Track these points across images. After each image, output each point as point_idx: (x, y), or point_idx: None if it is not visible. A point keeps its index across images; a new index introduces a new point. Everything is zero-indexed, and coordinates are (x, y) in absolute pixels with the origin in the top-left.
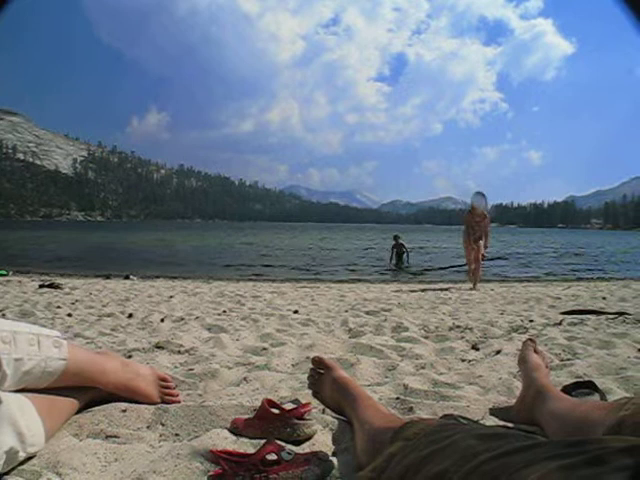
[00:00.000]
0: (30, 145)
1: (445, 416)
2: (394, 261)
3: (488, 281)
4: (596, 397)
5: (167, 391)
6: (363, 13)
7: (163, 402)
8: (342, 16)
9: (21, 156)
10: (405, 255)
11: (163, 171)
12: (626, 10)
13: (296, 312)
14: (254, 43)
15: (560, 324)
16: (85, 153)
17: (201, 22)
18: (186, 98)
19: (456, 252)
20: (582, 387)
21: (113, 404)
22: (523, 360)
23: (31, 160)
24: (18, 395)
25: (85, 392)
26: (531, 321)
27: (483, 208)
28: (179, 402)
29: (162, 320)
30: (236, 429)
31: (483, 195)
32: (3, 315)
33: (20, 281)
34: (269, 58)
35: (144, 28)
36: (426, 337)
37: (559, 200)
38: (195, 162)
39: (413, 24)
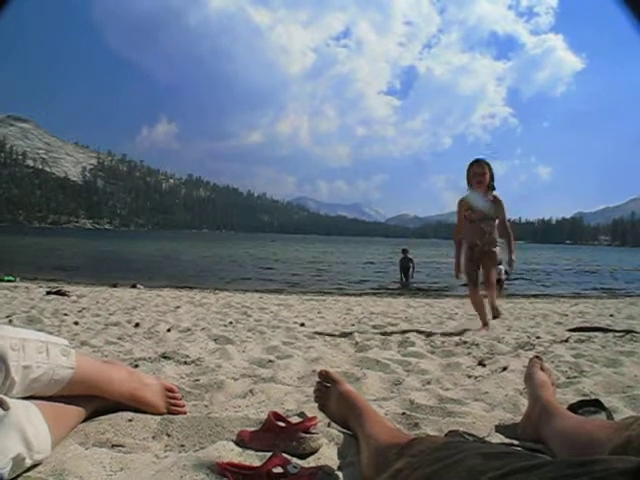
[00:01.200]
0: (40, 152)
1: (451, 432)
2: (402, 276)
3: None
4: (602, 416)
5: (173, 402)
6: (374, 26)
7: (169, 412)
8: (353, 29)
9: (31, 163)
10: (411, 270)
11: (172, 181)
12: (626, 10)
13: (302, 325)
14: (265, 54)
15: (567, 341)
16: (94, 161)
17: (212, 32)
18: (196, 108)
19: None
20: (588, 405)
21: (119, 413)
22: (529, 377)
23: (41, 167)
24: (26, 402)
25: (91, 401)
26: (538, 338)
27: (489, 192)
28: (185, 413)
29: (169, 330)
30: (242, 441)
31: (488, 164)
32: (10, 321)
33: (27, 287)
34: (279, 70)
35: (155, 38)
36: (432, 352)
37: (567, 216)
38: (204, 172)
39: (424, 38)
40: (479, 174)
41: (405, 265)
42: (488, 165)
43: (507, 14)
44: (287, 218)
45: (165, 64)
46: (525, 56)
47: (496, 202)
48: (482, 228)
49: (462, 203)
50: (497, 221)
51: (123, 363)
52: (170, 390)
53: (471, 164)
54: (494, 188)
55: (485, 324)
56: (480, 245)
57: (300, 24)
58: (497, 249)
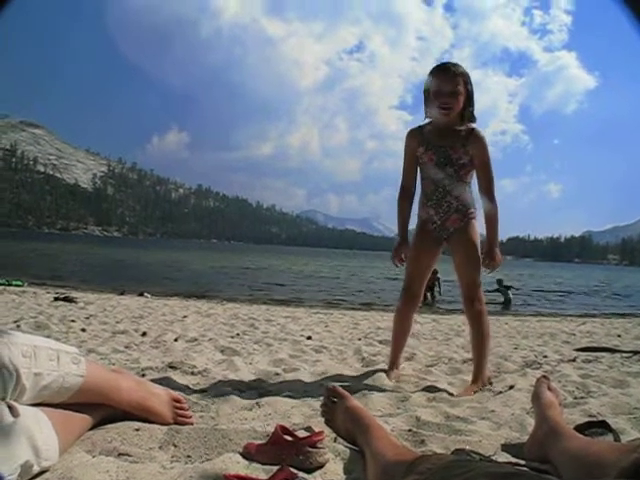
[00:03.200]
0: (51, 158)
1: (457, 451)
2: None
3: (503, 314)
4: (609, 437)
5: (180, 412)
6: (387, 40)
7: (176, 423)
8: (366, 43)
9: (41, 168)
10: (437, 287)
11: (181, 190)
12: (626, 10)
13: (309, 338)
14: (277, 66)
15: (574, 361)
16: (105, 168)
17: (225, 43)
18: (207, 118)
19: None
20: (595, 427)
21: (126, 423)
22: (537, 397)
23: (51, 173)
24: (35, 409)
25: (99, 409)
26: (545, 357)
27: (462, 122)
28: (192, 424)
29: (176, 340)
30: (248, 454)
31: (463, 74)
32: (18, 326)
33: (35, 293)
34: (291, 82)
35: (168, 47)
36: (439, 369)
37: (576, 235)
38: (213, 183)
39: (437, 53)
40: (446, 93)
41: (431, 284)
42: (463, 75)
43: (520, 30)
44: (296, 230)
45: (177, 73)
46: (537, 73)
47: (474, 139)
48: (444, 184)
49: (413, 135)
50: (471, 173)
51: (131, 372)
52: (177, 401)
53: (434, 72)
54: (473, 118)
55: (393, 366)
56: (439, 221)
57: (313, 37)
58: (473, 224)
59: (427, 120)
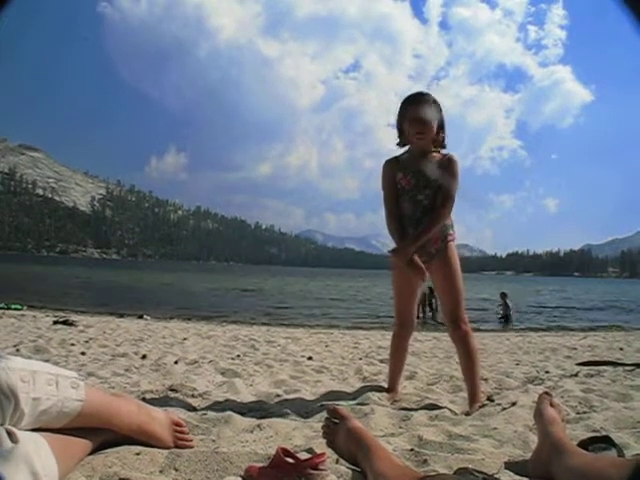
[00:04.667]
0: (50, 181)
1: (460, 470)
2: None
3: (503, 330)
4: (613, 452)
5: (181, 436)
6: (383, 59)
7: (176, 447)
8: (362, 62)
9: (40, 191)
10: (435, 303)
11: (180, 212)
12: (626, 10)
13: (310, 358)
14: (274, 86)
15: (576, 375)
16: (103, 191)
17: (221, 64)
18: (205, 139)
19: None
20: (599, 442)
21: (126, 447)
22: (539, 414)
23: (50, 196)
24: (35, 434)
25: (99, 433)
26: (547, 372)
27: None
28: (192, 447)
29: (176, 362)
30: (250, 477)
31: (435, 102)
32: (17, 350)
33: (35, 316)
34: (288, 101)
35: (165, 68)
36: (440, 387)
37: (575, 248)
38: (212, 204)
39: (432, 70)
40: (421, 120)
41: (428, 301)
42: (435, 103)
43: (515, 46)
44: (295, 251)
45: (175, 94)
46: (533, 88)
47: (449, 162)
48: (423, 205)
49: (390, 165)
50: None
51: (132, 396)
52: (177, 424)
53: (407, 102)
54: (444, 144)
55: (391, 389)
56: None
57: (309, 56)
58: (451, 247)
59: (402, 150)
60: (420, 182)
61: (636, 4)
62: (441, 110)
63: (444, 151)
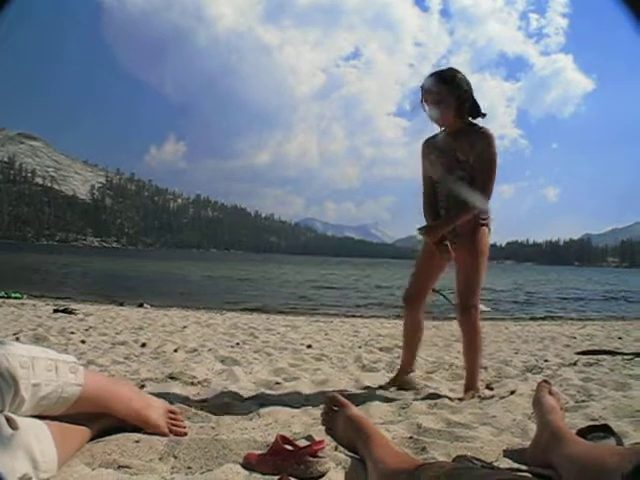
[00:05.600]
0: (49, 170)
1: (459, 457)
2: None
3: (502, 319)
4: (612, 441)
5: (175, 423)
6: (384, 47)
7: (170, 432)
8: (362, 50)
9: (40, 180)
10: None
11: (180, 200)
12: (626, 10)
13: (309, 347)
14: (274, 74)
15: (575, 364)
16: (103, 180)
17: (221, 52)
18: (204, 127)
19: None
20: (597, 431)
21: (126, 434)
22: (538, 402)
23: (49, 185)
24: (35, 420)
25: (97, 421)
26: (546, 361)
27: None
28: (186, 434)
29: (175, 350)
30: (249, 464)
31: (453, 73)
32: (17, 339)
33: (34, 305)
34: (288, 90)
35: (164, 56)
36: (440, 375)
37: (575, 238)
38: (212, 192)
39: (434, 59)
40: (426, 96)
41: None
42: (446, 79)
43: (516, 35)
44: (294, 239)
45: (174, 82)
46: (534, 77)
47: (481, 137)
48: (457, 188)
49: (426, 144)
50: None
51: (129, 382)
52: (172, 412)
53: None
54: (475, 112)
55: (407, 369)
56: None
57: (309, 44)
58: (483, 231)
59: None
60: (452, 163)
61: (636, 4)
62: (459, 84)
63: (480, 124)
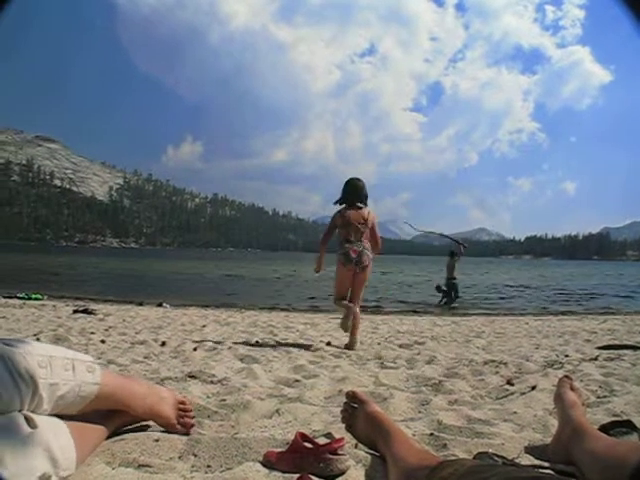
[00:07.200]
0: (67, 172)
1: (480, 454)
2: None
3: (522, 314)
4: (634, 437)
5: (184, 414)
6: (399, 42)
7: (179, 424)
8: (378, 45)
9: (58, 182)
10: (454, 292)
11: (197, 200)
12: (626, 10)
13: (329, 344)
14: (288, 72)
15: (596, 359)
16: (121, 181)
17: (235, 50)
18: (220, 126)
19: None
20: (620, 426)
21: (145, 433)
22: (559, 397)
23: (68, 187)
24: (54, 419)
25: (113, 419)
26: (567, 356)
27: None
28: (193, 425)
29: (195, 349)
30: (269, 462)
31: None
32: (38, 339)
33: (54, 306)
34: (304, 87)
35: (179, 56)
36: (460, 371)
37: (594, 232)
38: (229, 191)
39: (449, 53)
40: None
41: (448, 282)
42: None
43: (532, 27)
44: (312, 237)
45: (189, 82)
46: (551, 69)
47: (369, 215)
48: (361, 232)
49: (339, 215)
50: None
51: (142, 378)
52: (182, 402)
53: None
54: (364, 201)
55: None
56: (356, 256)
57: (324, 41)
58: (371, 264)
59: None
60: (358, 222)
61: (636, 4)
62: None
63: (368, 208)
